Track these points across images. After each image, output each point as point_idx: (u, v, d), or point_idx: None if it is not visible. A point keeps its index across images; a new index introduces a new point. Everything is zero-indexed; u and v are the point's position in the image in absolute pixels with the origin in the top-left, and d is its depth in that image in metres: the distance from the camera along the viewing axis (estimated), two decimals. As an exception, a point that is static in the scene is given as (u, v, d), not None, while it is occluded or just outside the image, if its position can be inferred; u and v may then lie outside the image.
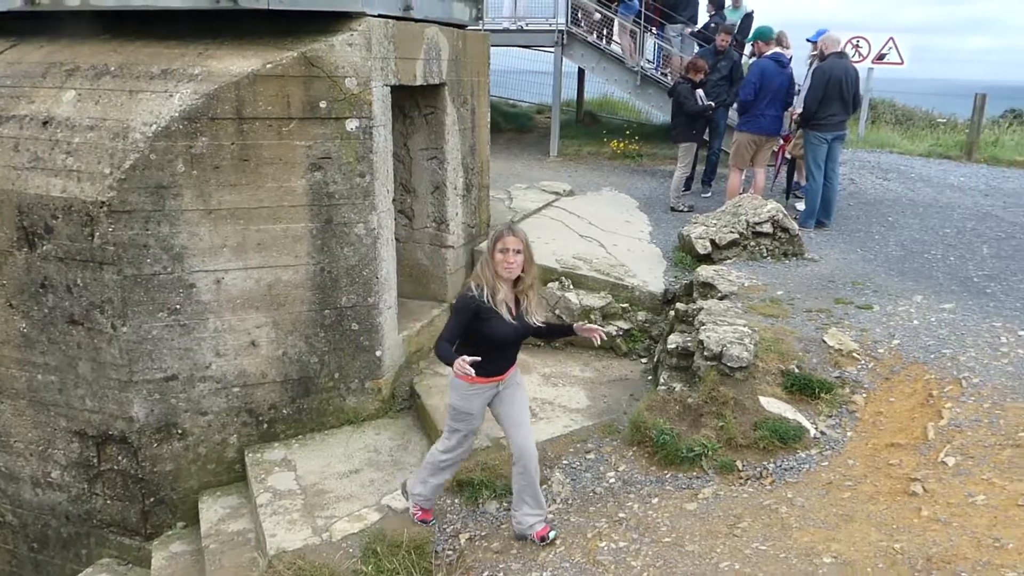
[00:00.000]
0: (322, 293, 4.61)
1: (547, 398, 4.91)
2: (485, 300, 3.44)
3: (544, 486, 4.00)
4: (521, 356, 5.23)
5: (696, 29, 11.35)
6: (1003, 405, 3.81)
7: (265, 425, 4.70)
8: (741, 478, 3.92)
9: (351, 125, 4.45)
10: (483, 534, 3.93)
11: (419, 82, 5.08)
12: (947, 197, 9.08)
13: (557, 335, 4.55)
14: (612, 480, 4.11)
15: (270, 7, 4.26)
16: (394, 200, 5.27)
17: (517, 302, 3.58)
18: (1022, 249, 6.92)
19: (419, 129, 5.61)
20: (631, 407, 4.73)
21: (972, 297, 5.47)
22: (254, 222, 4.34)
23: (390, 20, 4.69)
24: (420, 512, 3.95)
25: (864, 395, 4.27)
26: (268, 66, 4.21)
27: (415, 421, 4.96)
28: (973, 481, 3.32)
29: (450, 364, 3.32)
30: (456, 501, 4.16)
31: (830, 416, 4.16)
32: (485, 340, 3.48)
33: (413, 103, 5.56)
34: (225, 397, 4.55)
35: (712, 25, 10.75)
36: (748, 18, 10.74)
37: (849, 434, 4.05)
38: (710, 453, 4.02)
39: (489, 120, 6.44)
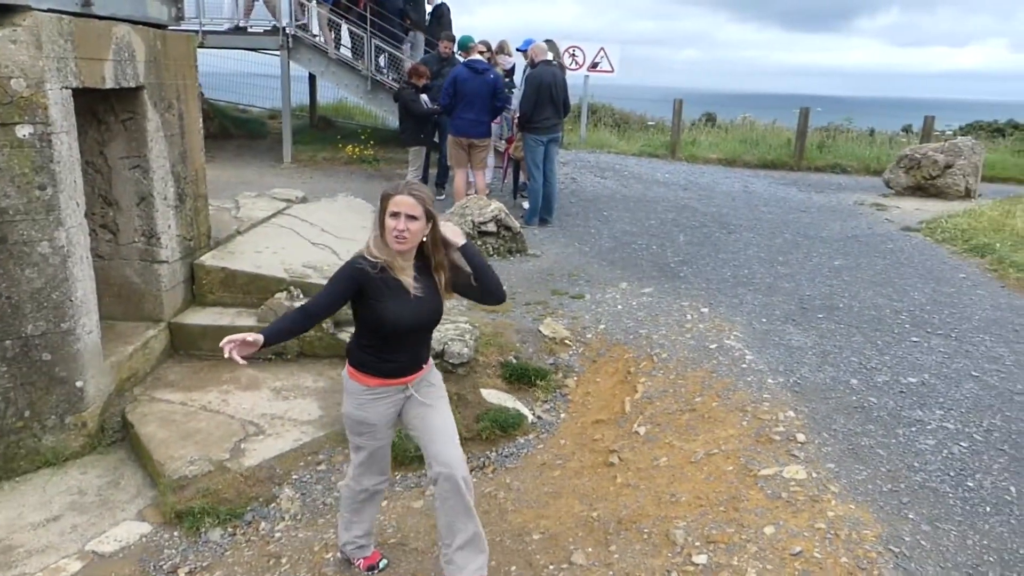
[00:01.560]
0: (0, 322, 4.06)
1: (277, 413, 4.75)
2: (375, 272, 2.67)
3: (272, 504, 3.88)
4: (249, 371, 5.01)
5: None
6: (684, 375, 4.34)
7: (-63, 481, 4.04)
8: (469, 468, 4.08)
9: (23, 132, 3.96)
10: (205, 564, 3.71)
11: (110, 85, 4.65)
12: (654, 192, 10.14)
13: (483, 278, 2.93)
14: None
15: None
16: (93, 214, 4.78)
17: (429, 275, 2.80)
18: (711, 236, 7.92)
19: (117, 136, 5.14)
20: (364, 412, 4.73)
21: (668, 281, 6.16)
22: (-98, 247, 3.71)
23: (65, 16, 4.25)
24: (361, 560, 3.29)
25: (575, 378, 4.65)
26: (-93, 65, 3.61)
27: (129, 454, 4.55)
28: (658, 446, 3.75)
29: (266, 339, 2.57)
30: (175, 534, 3.88)
31: (546, 401, 4.48)
32: (378, 327, 2.73)
33: (108, 108, 5.08)
34: None
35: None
36: (438, 8, 11.31)
37: (563, 416, 4.39)
38: (437, 449, 4.13)
39: (201, 125, 6.07)
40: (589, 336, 4.95)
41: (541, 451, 4.07)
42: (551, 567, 3.08)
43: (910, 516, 3.05)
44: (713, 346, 4.66)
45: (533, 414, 4.36)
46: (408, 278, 2.72)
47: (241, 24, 11.51)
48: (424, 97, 8.50)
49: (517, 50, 8.89)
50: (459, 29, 10.49)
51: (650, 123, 17.24)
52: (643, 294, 5.71)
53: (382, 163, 11.78)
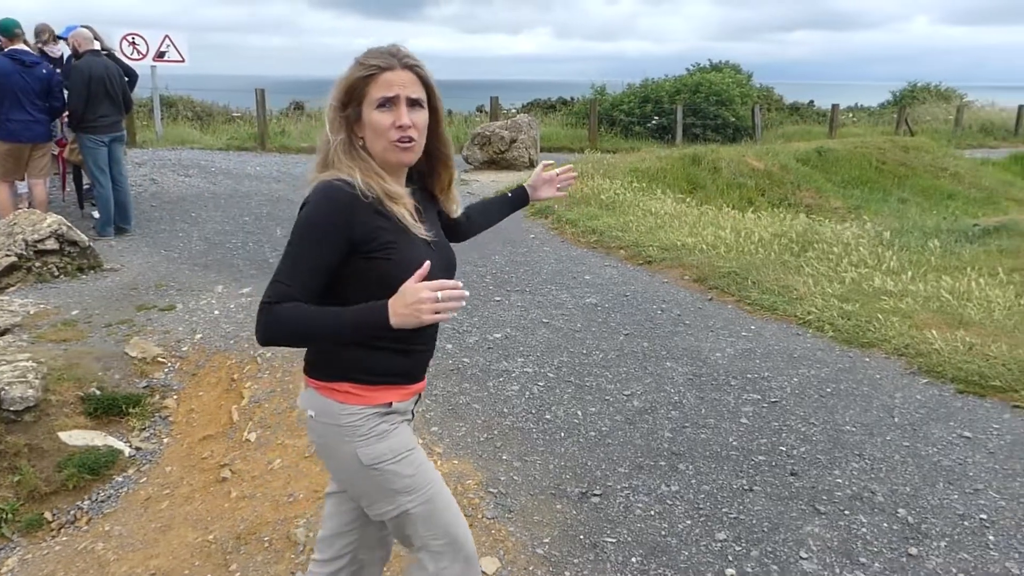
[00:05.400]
0: None
1: None
2: (376, 198, 1.67)
3: None
4: None
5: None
6: (291, 371, 4.27)
7: None
8: (53, 529, 3.52)
9: None
10: None
11: None
12: (246, 187, 9.76)
13: (502, 209, 2.32)
14: None
15: None
16: None
17: (427, 203, 1.88)
18: (309, 226, 7.87)
19: None
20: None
21: (267, 277, 5.90)
22: None
23: None
24: None
25: (175, 397, 4.29)
26: None
27: None
28: (271, 448, 3.64)
29: (334, 336, 1.65)
30: None
31: (143, 429, 4.06)
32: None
33: None
34: None
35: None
36: None
37: (166, 440, 4.02)
38: (10, 516, 3.49)
39: None
40: (185, 349, 4.59)
41: (144, 485, 3.69)
42: (167, 608, 2.82)
43: (503, 457, 3.41)
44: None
45: (130, 447, 3.92)
46: (410, 211, 1.72)
47: None
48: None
49: (58, 37, 7.75)
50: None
51: (236, 114, 16.51)
52: (242, 295, 5.48)
53: None
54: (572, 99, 23.30)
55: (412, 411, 1.87)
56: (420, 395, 1.91)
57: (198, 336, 4.73)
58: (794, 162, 13.44)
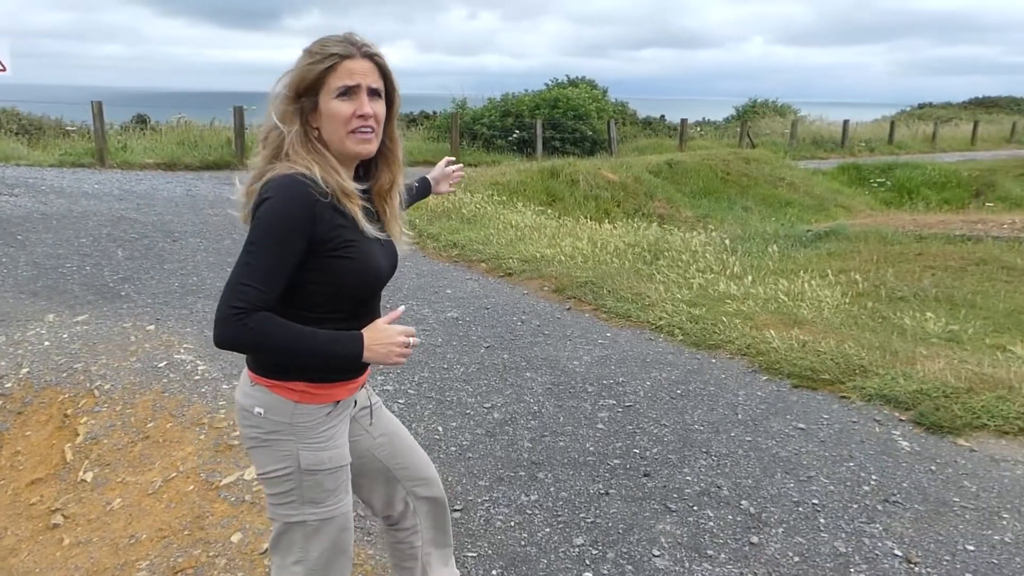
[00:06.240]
0: None
1: None
2: (332, 198, 1.62)
3: None
4: None
5: None
6: (133, 403, 4.00)
7: None
8: None
9: None
10: None
11: None
12: (82, 206, 9.08)
13: (410, 200, 2.22)
14: None
15: None
16: None
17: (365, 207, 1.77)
18: (155, 247, 7.44)
19: None
20: None
21: (107, 303, 5.59)
22: None
23: None
24: None
25: (-2, 439, 3.91)
26: None
27: None
28: (111, 488, 3.39)
29: (297, 355, 1.62)
30: None
31: (-41, 476, 3.67)
32: (356, 289, 1.70)
33: None
34: None
35: None
36: None
37: (-14, 488, 3.66)
38: None
39: None
40: (9, 385, 4.19)
41: (-41, 539, 3.33)
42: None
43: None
44: (163, 364, 4.39)
45: (-58, 497, 3.54)
46: (358, 206, 1.68)
47: None
48: None
49: None
50: None
51: (70, 128, 15.34)
52: (77, 323, 5.08)
53: None
54: (434, 113, 23.32)
55: (355, 398, 1.90)
56: (365, 385, 1.94)
57: (24, 370, 4.34)
58: (647, 174, 14.07)
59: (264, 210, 1.58)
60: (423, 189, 2.36)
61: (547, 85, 22.57)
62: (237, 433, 3.63)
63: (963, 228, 9.43)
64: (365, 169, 1.80)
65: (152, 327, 5.05)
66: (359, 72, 1.62)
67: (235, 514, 3.04)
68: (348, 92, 1.62)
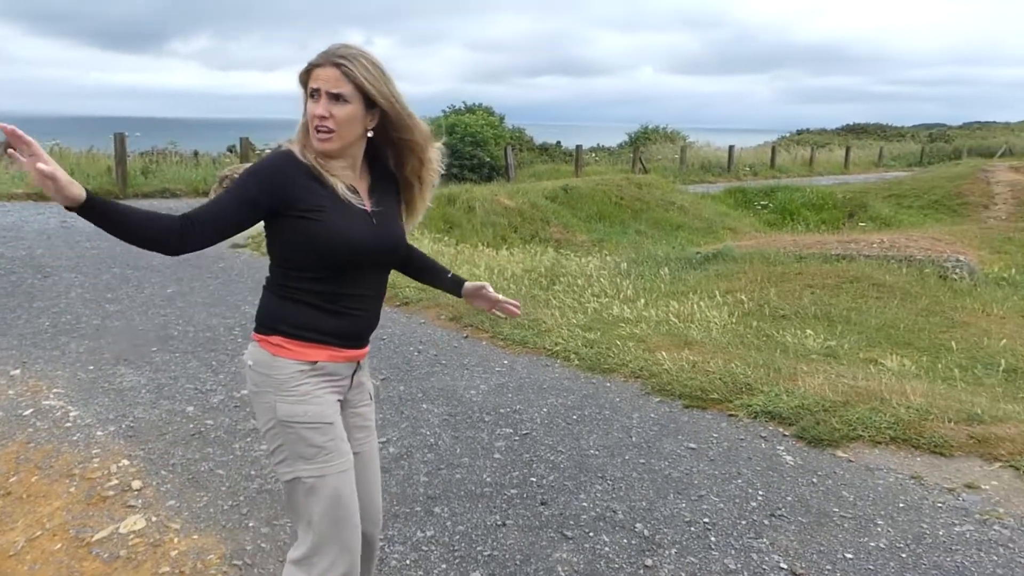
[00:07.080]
0: None
1: None
2: (311, 166, 1.86)
3: None
4: None
5: None
6: (-8, 455, 3.69)
7: None
8: None
9: None
10: None
11: None
12: (-59, 241, 8.40)
13: (435, 278, 2.36)
14: None
15: None
16: None
17: (390, 194, 2.08)
18: (24, 283, 6.97)
19: None
20: None
21: (-34, 348, 5.16)
22: None
23: None
24: None
25: None
26: None
27: None
28: (-35, 552, 3.10)
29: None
30: None
31: None
32: (329, 251, 1.86)
33: None
34: None
35: None
36: None
37: None
38: None
39: None
40: None
41: None
42: None
43: (250, 524, 3.19)
44: (28, 412, 4.08)
45: None
46: (344, 185, 1.89)
47: None
48: None
49: None
50: None
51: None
52: (-70, 370, 4.66)
53: None
54: (330, 140, 22.96)
55: (350, 379, 2.00)
56: (359, 363, 2.03)
57: None
58: (543, 200, 14.31)
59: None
60: (455, 284, 2.32)
61: (444, 112, 22.68)
62: (113, 482, 3.41)
63: (838, 248, 10.02)
64: (396, 161, 2.06)
65: (17, 372, 4.70)
66: (322, 78, 1.84)
67: (108, 572, 2.83)
68: (314, 95, 1.85)
